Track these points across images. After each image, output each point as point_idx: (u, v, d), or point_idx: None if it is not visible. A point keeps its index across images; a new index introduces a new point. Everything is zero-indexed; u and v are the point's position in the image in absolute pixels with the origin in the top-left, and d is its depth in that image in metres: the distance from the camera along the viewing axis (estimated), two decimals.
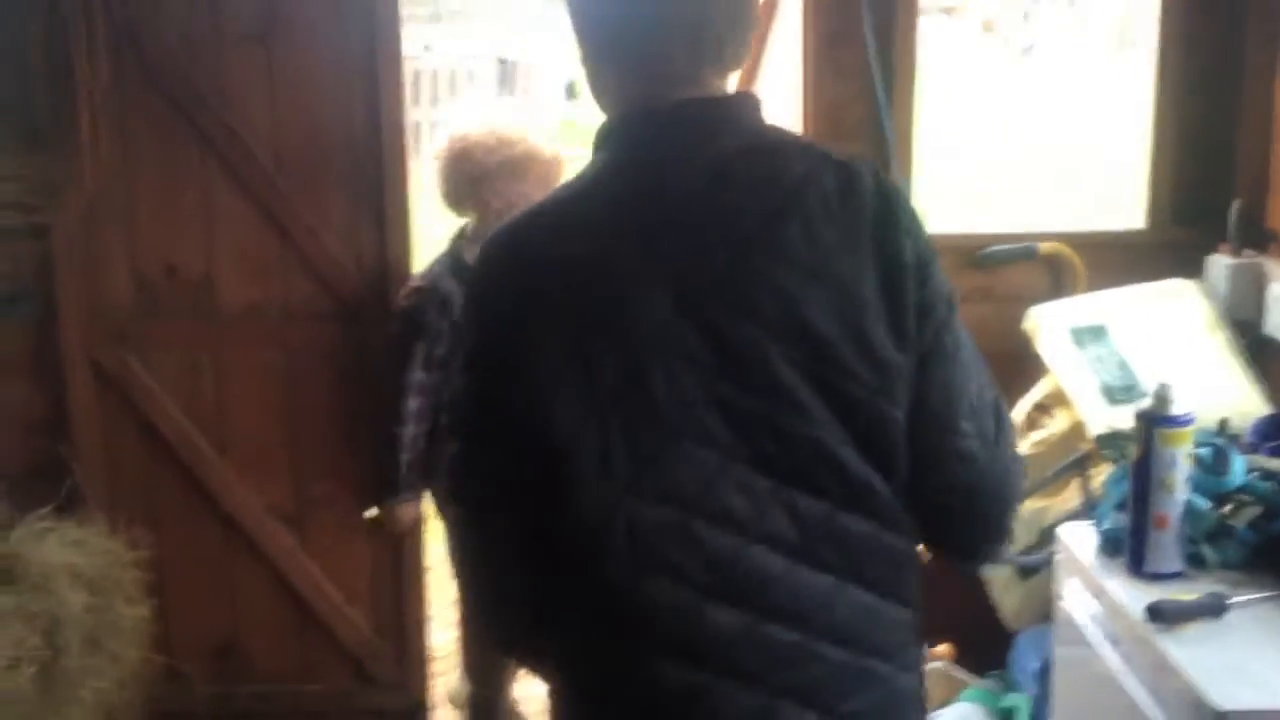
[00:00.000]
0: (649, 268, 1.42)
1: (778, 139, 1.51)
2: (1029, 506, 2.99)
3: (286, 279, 3.19)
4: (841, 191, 1.44)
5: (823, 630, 1.43)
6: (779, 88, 3.41)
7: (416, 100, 12.72)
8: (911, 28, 3.24)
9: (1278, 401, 2.92)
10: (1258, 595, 2.04)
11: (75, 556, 2.71)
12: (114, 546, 2.84)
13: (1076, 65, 22.25)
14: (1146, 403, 2.11)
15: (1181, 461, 2.08)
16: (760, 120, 1.52)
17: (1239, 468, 2.21)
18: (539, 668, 1.63)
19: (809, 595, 1.42)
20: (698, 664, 1.41)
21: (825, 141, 3.25)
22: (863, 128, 3.28)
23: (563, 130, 8.55)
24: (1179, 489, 2.09)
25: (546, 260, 1.45)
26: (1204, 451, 2.20)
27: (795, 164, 1.45)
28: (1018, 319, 3.20)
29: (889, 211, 1.45)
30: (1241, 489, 2.19)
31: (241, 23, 3.08)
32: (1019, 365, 3.20)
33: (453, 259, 3.02)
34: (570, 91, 16.75)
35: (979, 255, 3.35)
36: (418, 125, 12.77)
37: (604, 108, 1.54)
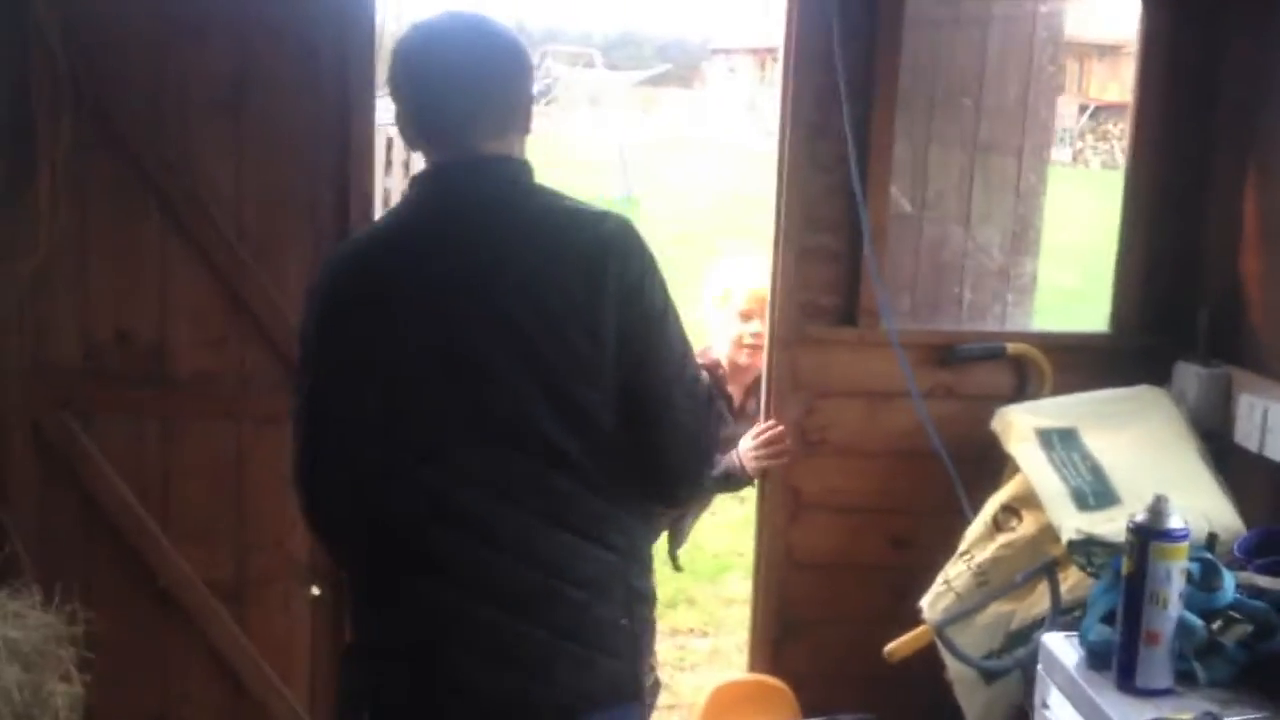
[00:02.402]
0: (413, 277, 1.95)
1: (529, 193, 2.02)
2: (995, 610, 2.94)
3: (241, 349, 3.09)
4: (562, 231, 1.98)
5: (523, 557, 1.94)
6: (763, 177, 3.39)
7: (389, 168, 12.60)
8: (889, 122, 3.24)
9: (1248, 513, 2.91)
10: (1249, 716, 2.00)
11: (10, 630, 2.57)
12: (50, 620, 2.70)
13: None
14: (1141, 515, 2.07)
15: (1176, 577, 2.05)
16: (522, 177, 2.03)
17: (1229, 585, 2.17)
18: (321, 545, 2.23)
19: (515, 531, 1.93)
20: (425, 570, 1.95)
21: (799, 233, 3.28)
22: (839, 221, 3.26)
23: None
24: (1173, 605, 2.05)
25: (347, 269, 2.04)
26: (1193, 567, 2.17)
27: (535, 209, 2.01)
28: (983, 418, 3.18)
29: (601, 250, 1.95)
30: (1231, 606, 2.15)
31: (210, 90, 3.00)
32: (983, 464, 3.18)
33: None
34: None
35: (947, 352, 3.33)
36: (387, 193, 12.68)
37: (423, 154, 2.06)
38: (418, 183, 2.04)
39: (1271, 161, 3.11)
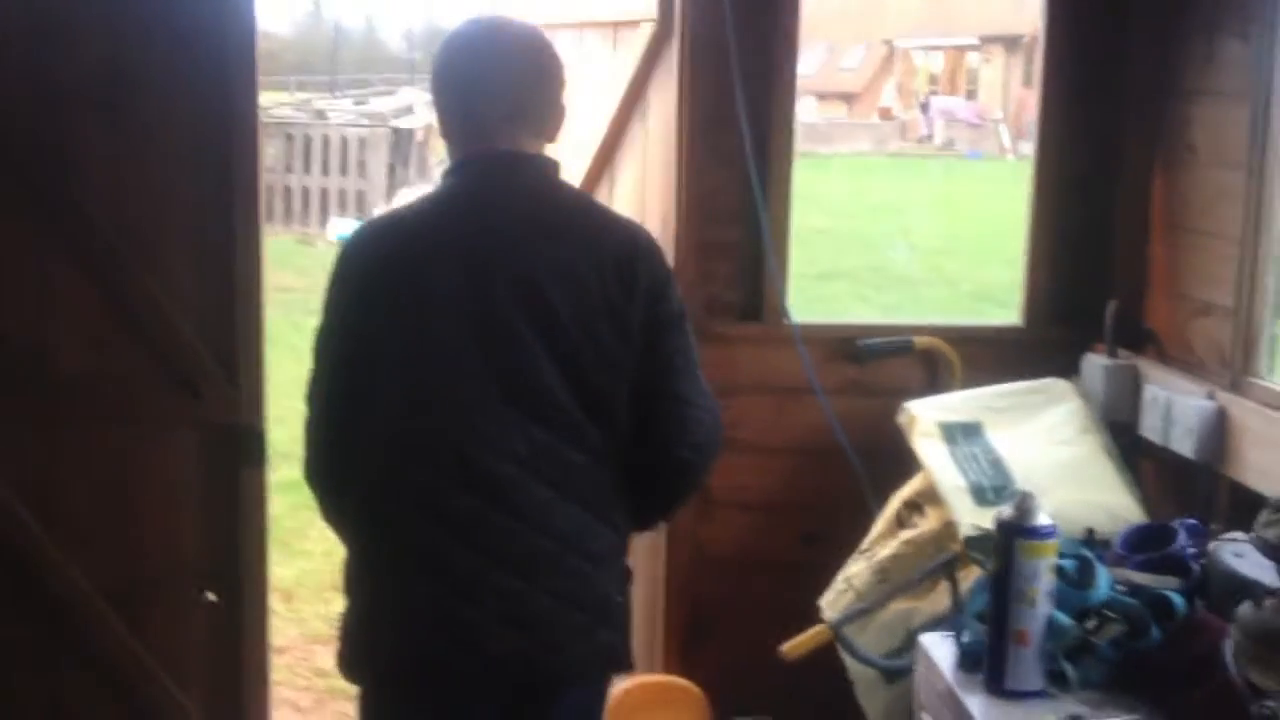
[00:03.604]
0: (452, 255, 2.07)
1: (559, 187, 2.20)
2: (895, 608, 2.89)
3: (125, 351, 2.99)
4: (598, 229, 2.13)
5: (536, 526, 2.04)
6: (653, 172, 3.33)
7: (308, 168, 12.53)
8: (788, 113, 3.18)
9: (1152, 507, 2.86)
10: (1119, 718, 1.94)
11: None
12: None
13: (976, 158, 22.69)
14: (1007, 512, 2.02)
15: (1044, 574, 1.99)
16: (552, 173, 2.19)
17: (1104, 582, 2.12)
18: (331, 513, 2.22)
19: (532, 499, 2.04)
20: (442, 530, 2.03)
21: (699, 227, 3.22)
22: (738, 215, 3.20)
23: None
24: (1040, 603, 2.00)
25: (385, 244, 2.15)
26: (1067, 564, 2.11)
27: (568, 204, 2.20)
28: (891, 413, 3.13)
29: (632, 252, 2.10)
30: (1106, 604, 2.09)
31: (82, 83, 2.90)
32: (891, 460, 3.12)
33: None
34: None
35: (854, 347, 3.28)
36: (306, 191, 12.60)
37: (449, 151, 2.21)
38: (456, 170, 2.17)
39: (1178, 151, 3.07)
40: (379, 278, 2.11)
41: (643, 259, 2.11)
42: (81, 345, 2.99)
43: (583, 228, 2.13)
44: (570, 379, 2.05)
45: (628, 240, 2.14)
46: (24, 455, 3.01)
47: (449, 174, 2.19)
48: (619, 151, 3.47)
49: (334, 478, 2.18)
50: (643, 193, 3.40)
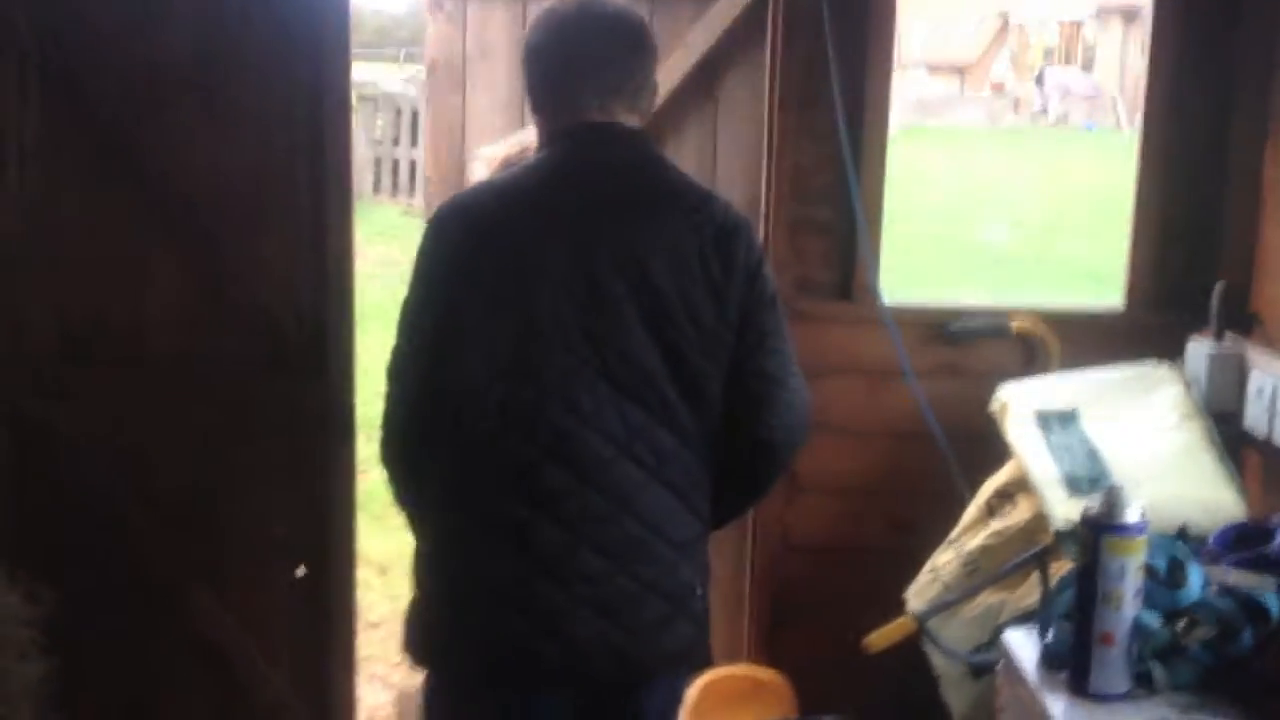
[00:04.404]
0: (553, 227, 2.04)
1: (658, 162, 2.18)
2: (984, 600, 2.82)
3: (220, 329, 3.03)
4: (698, 205, 2.09)
5: (626, 507, 2.02)
6: (727, 148, 3.27)
7: (415, 141, 12.55)
8: (884, 93, 3.12)
9: (1254, 502, 2.76)
10: None
11: None
12: (9, 600, 2.67)
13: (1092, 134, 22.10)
14: (1094, 506, 1.95)
15: (1131, 574, 1.92)
16: (649, 148, 2.19)
17: (1195, 582, 2.04)
18: (409, 494, 2.21)
19: (624, 479, 2.02)
20: (532, 505, 2.01)
21: (790, 205, 3.17)
22: (829, 193, 3.15)
23: None
24: (1127, 604, 1.92)
25: (485, 216, 2.10)
26: (1158, 563, 2.03)
27: (668, 178, 2.14)
28: (986, 397, 3.05)
29: (733, 229, 2.07)
30: (1198, 605, 2.02)
31: (180, 66, 2.93)
32: (985, 446, 3.05)
33: None
34: None
35: (948, 329, 3.20)
36: (414, 164, 12.63)
37: (539, 126, 2.19)
38: (553, 141, 2.14)
39: None
40: (477, 249, 2.07)
41: (742, 236, 2.08)
42: (177, 324, 3.03)
43: (683, 203, 2.09)
44: (670, 359, 2.03)
45: (727, 220, 2.09)
46: (121, 433, 3.07)
47: (546, 146, 2.16)
48: (668, 125, 3.35)
49: (418, 455, 2.14)
50: (713, 169, 3.32)
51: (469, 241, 2.08)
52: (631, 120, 2.17)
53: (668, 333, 2.02)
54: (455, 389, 2.05)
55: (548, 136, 2.17)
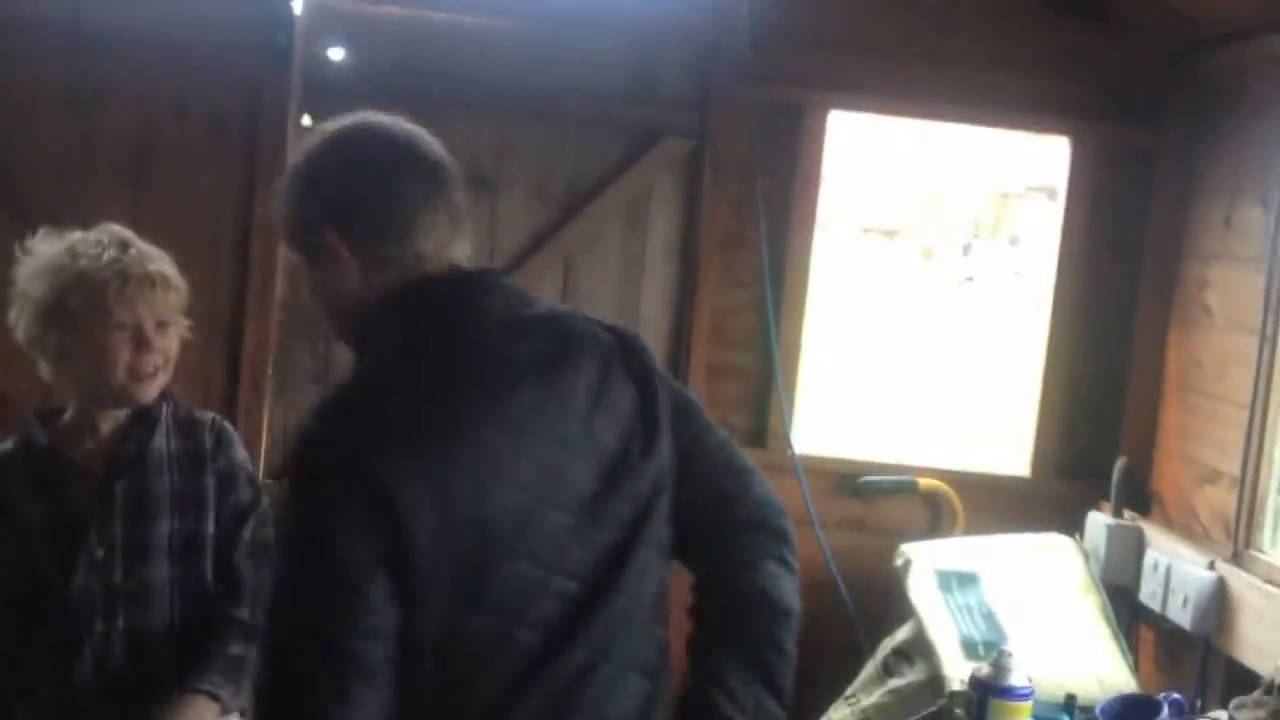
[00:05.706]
0: (494, 416, 1.60)
1: (532, 300, 1.76)
2: None
3: None
4: (617, 345, 1.72)
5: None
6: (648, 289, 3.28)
7: None
8: (808, 243, 3.18)
9: (1145, 676, 2.79)
10: None
11: None
12: None
13: (1013, 302, 22.51)
14: (984, 669, 1.96)
15: None
16: (518, 287, 1.77)
17: None
18: None
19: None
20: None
21: (709, 350, 3.20)
22: (749, 338, 3.19)
23: None
24: None
25: (390, 443, 1.56)
26: None
27: (577, 324, 1.73)
28: (891, 552, 3.06)
29: (634, 338, 1.74)
30: None
31: (114, 157, 2.95)
32: (887, 600, 3.05)
33: None
34: None
35: (857, 483, 3.23)
36: None
37: (362, 276, 1.70)
38: (410, 308, 1.68)
39: (1194, 313, 3.04)
40: (399, 486, 1.55)
41: (643, 349, 1.76)
42: None
43: (586, 343, 1.72)
44: (640, 520, 1.67)
45: (624, 338, 1.76)
46: None
47: (400, 315, 1.68)
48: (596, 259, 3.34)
49: None
50: (636, 306, 3.30)
51: (386, 480, 1.59)
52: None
53: (623, 477, 1.70)
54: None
55: (393, 299, 1.72)
